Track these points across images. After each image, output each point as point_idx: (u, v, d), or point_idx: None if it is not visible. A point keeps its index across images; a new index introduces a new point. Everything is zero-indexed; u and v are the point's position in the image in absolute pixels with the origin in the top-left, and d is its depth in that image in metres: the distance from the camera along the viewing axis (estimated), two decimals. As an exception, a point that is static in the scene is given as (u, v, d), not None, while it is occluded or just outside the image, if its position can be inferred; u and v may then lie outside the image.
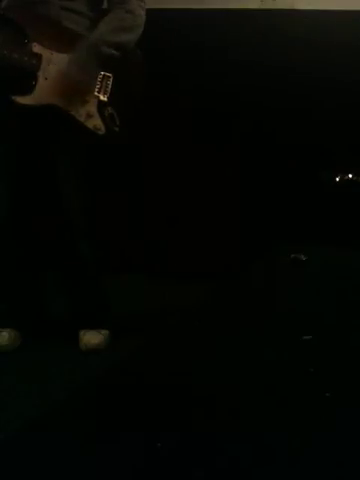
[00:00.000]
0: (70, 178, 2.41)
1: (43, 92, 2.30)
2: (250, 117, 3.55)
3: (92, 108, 2.36)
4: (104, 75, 2.38)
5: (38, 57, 2.28)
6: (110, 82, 2.39)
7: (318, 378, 1.79)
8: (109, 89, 2.39)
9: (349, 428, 1.49)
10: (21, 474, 1.31)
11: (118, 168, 3.60)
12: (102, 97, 2.38)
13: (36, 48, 2.28)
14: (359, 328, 2.23)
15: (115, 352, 2.40)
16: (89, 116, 2.36)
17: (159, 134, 3.56)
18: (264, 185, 3.56)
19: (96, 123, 2.37)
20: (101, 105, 2.38)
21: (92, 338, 2.45)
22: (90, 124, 2.36)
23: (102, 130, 2.37)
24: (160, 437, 1.42)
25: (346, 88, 3.42)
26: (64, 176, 2.40)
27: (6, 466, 1.34)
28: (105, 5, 2.44)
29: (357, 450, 1.39)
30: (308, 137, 3.52)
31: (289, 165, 3.58)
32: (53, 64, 2.30)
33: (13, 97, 2.26)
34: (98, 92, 2.37)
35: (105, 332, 2.49)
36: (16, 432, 1.63)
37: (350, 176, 3.47)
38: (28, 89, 2.28)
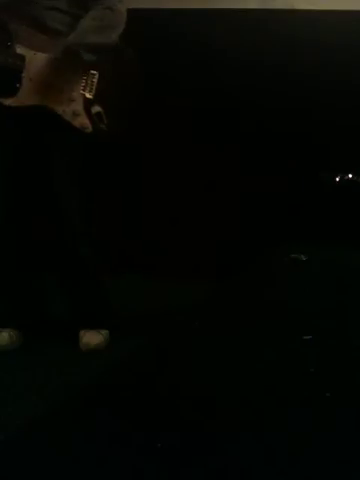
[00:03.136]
0: (64, 177, 2.41)
1: (28, 93, 2.29)
2: (250, 117, 3.55)
3: (78, 107, 2.36)
4: (89, 73, 2.37)
5: (22, 58, 2.28)
6: (96, 80, 2.38)
7: (318, 378, 1.79)
8: (94, 87, 2.38)
9: (349, 428, 1.49)
10: (21, 474, 1.31)
11: (118, 168, 3.61)
12: (88, 95, 2.37)
13: (20, 49, 2.28)
14: (359, 328, 2.23)
15: (115, 352, 2.40)
16: (76, 115, 2.35)
17: (159, 134, 3.56)
18: (264, 185, 3.56)
19: (83, 122, 2.36)
20: (87, 103, 2.37)
21: (92, 338, 2.45)
22: (77, 123, 2.35)
23: (89, 128, 2.37)
24: (160, 437, 1.42)
25: (346, 88, 3.42)
26: (58, 175, 2.40)
27: (6, 466, 1.34)
28: (90, 3, 2.42)
29: (357, 450, 1.39)
30: (308, 137, 3.52)
31: (289, 165, 3.58)
32: (36, 65, 2.30)
33: None
34: (83, 90, 2.37)
35: (105, 332, 2.50)
36: (16, 432, 1.63)
37: (350, 176, 3.47)
38: (13, 90, 2.28)
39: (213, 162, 3.56)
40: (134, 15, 3.32)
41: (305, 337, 2.10)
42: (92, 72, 2.37)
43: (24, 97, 2.29)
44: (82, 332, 2.47)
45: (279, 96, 3.46)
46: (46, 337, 2.52)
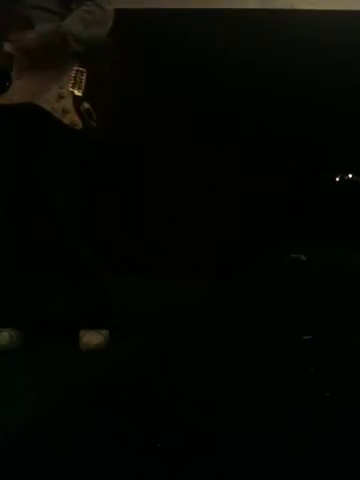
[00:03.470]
0: (58, 176, 2.41)
1: (17, 91, 2.30)
2: (250, 117, 3.55)
3: (68, 104, 2.36)
4: (77, 70, 2.38)
5: (10, 57, 2.29)
6: (84, 77, 2.38)
7: (318, 378, 1.79)
8: (83, 84, 2.39)
9: (349, 428, 1.49)
10: (21, 474, 1.31)
11: (118, 168, 3.61)
12: (77, 92, 2.38)
13: (8, 48, 2.29)
14: (359, 328, 2.23)
15: (115, 352, 2.40)
16: (65, 112, 2.35)
17: (159, 134, 3.56)
18: (264, 185, 3.56)
19: (73, 119, 2.36)
20: (77, 100, 2.38)
21: (92, 338, 2.45)
22: (67, 120, 2.36)
23: (79, 125, 2.37)
24: (160, 437, 1.42)
25: (346, 88, 3.42)
26: (52, 174, 2.40)
27: (6, 466, 1.34)
28: (74, 4, 2.43)
29: (357, 450, 1.39)
30: (308, 137, 3.52)
31: (289, 165, 3.58)
32: (25, 62, 2.31)
33: None
34: (72, 87, 2.37)
35: (105, 332, 2.50)
36: (16, 432, 1.63)
37: (350, 176, 3.47)
38: (3, 89, 2.29)
39: (213, 162, 3.56)
40: (134, 15, 3.33)
41: (305, 337, 2.10)
42: (80, 69, 2.38)
43: (13, 95, 2.30)
44: (82, 332, 2.47)
45: (279, 96, 3.46)
46: (46, 337, 2.52)
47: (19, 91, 2.30)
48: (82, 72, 2.38)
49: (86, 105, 2.37)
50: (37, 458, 1.37)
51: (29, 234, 2.52)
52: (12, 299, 2.54)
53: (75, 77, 2.37)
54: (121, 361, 2.16)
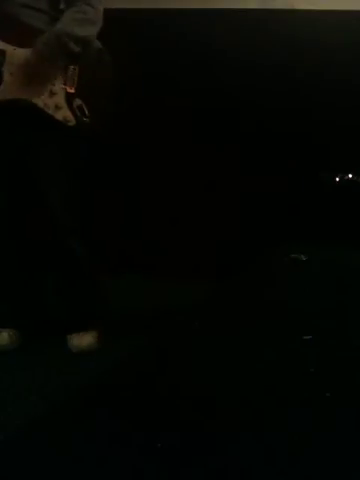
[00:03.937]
0: (52, 174, 2.41)
1: (9, 87, 2.31)
2: (250, 117, 3.55)
3: (60, 100, 2.36)
4: (69, 67, 2.38)
5: (1, 53, 2.30)
6: (76, 74, 2.39)
7: (318, 378, 1.79)
8: (75, 81, 2.39)
9: (349, 428, 1.49)
10: (21, 474, 1.31)
11: (117, 168, 3.61)
12: (69, 89, 2.38)
13: None
14: (359, 328, 2.23)
15: (115, 352, 2.40)
16: (58, 108, 2.35)
17: (159, 134, 3.56)
18: (264, 185, 3.56)
19: (65, 115, 2.36)
20: (69, 97, 2.38)
21: (82, 340, 2.45)
22: (59, 116, 2.36)
23: (72, 121, 2.37)
24: (160, 437, 1.42)
25: (346, 88, 3.42)
26: (47, 172, 2.40)
27: (6, 466, 1.34)
28: (62, 5, 2.43)
29: (357, 450, 1.39)
30: (308, 137, 3.52)
31: (289, 165, 3.57)
32: (17, 59, 2.31)
33: None
34: (64, 84, 2.37)
35: (94, 333, 2.48)
36: (16, 432, 1.63)
37: (350, 176, 3.47)
38: None
39: (213, 162, 3.56)
40: (134, 15, 3.33)
41: (305, 337, 2.10)
42: (72, 67, 2.38)
43: (5, 91, 2.30)
44: (73, 334, 2.46)
45: (279, 96, 3.46)
46: (46, 337, 2.52)
47: (11, 87, 2.30)
48: (74, 69, 2.38)
49: (78, 101, 2.37)
50: (37, 458, 1.37)
51: (28, 234, 2.52)
52: (12, 299, 2.54)
53: (67, 74, 2.37)
54: (121, 361, 2.16)
